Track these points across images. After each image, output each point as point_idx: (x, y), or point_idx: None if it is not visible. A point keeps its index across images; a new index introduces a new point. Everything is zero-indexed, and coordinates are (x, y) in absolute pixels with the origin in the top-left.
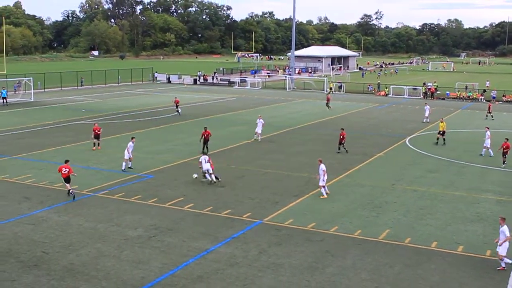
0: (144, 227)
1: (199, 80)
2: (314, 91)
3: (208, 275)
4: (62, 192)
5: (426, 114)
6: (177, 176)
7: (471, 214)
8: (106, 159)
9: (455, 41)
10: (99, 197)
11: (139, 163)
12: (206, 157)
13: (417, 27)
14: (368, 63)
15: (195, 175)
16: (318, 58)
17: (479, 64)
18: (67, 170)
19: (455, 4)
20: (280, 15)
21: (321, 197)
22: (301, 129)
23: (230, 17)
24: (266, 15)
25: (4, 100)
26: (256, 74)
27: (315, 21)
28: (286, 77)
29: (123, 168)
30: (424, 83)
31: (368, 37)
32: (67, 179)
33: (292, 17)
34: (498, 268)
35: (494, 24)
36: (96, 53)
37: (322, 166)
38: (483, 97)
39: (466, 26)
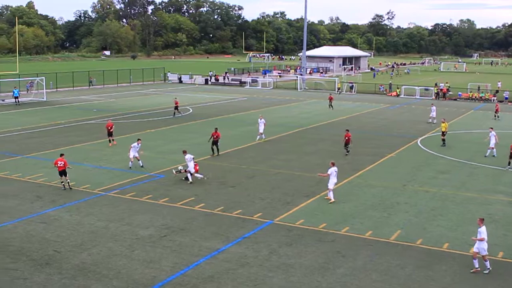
0: (155, 227)
1: (210, 80)
2: (325, 91)
3: (219, 275)
4: (74, 191)
5: (433, 115)
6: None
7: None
8: (117, 159)
9: (467, 41)
10: (110, 196)
11: (150, 162)
12: (192, 156)
13: (429, 28)
14: (380, 64)
15: (180, 167)
16: (330, 58)
17: (492, 64)
18: (63, 163)
19: (467, 4)
20: (292, 15)
21: (326, 198)
22: (313, 129)
23: (242, 17)
24: (277, 15)
25: (16, 99)
26: (267, 74)
27: (327, 21)
28: (297, 77)
29: (129, 166)
30: (436, 84)
31: (379, 38)
32: (63, 172)
33: (303, 17)
34: (471, 270)
35: (507, 25)
36: (108, 53)
37: (333, 169)
38: (495, 98)
39: (478, 26)
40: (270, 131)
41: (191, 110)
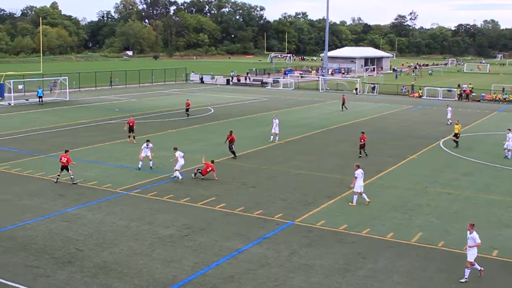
0: (176, 226)
1: (232, 81)
2: (347, 92)
3: (239, 275)
4: (96, 190)
5: (449, 116)
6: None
7: (506, 218)
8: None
9: (491, 42)
10: (132, 195)
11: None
12: (182, 153)
13: (452, 28)
14: (402, 64)
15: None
16: (351, 59)
17: None
18: (66, 159)
19: (491, 4)
20: (314, 15)
21: (350, 204)
22: (334, 130)
23: (264, 18)
24: (299, 16)
25: (40, 99)
26: (288, 74)
27: (349, 22)
28: (319, 78)
29: (139, 166)
30: (458, 85)
31: (402, 38)
32: (64, 167)
33: (325, 17)
34: (461, 281)
35: None
36: (130, 53)
37: (358, 171)
38: None
39: (502, 27)
40: (291, 132)
41: (212, 110)
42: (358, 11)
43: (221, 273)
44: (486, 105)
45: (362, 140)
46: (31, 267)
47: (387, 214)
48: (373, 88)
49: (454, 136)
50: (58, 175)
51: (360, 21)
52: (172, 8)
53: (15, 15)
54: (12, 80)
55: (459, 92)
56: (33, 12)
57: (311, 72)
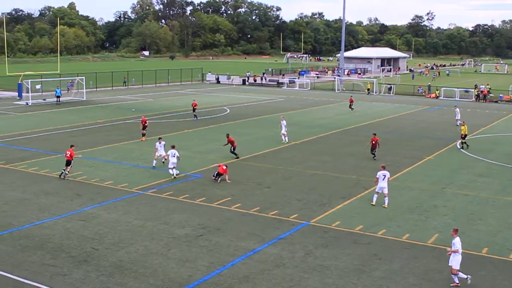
0: (191, 226)
1: (248, 81)
2: (363, 93)
3: (254, 275)
4: (112, 190)
5: (458, 117)
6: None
7: None
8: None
9: (510, 42)
10: (147, 195)
11: (188, 162)
12: (174, 152)
13: (470, 29)
14: (419, 65)
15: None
16: (368, 60)
17: None
18: (69, 153)
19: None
20: (330, 16)
21: (372, 203)
22: (350, 130)
23: (280, 18)
24: (315, 16)
25: (58, 98)
26: (304, 75)
27: (365, 22)
28: (335, 78)
29: (153, 164)
30: (476, 86)
31: (419, 39)
32: (68, 162)
33: (342, 18)
34: (451, 285)
35: None
36: (146, 53)
37: (380, 172)
38: None
39: None
40: (307, 132)
41: (228, 111)
42: (375, 11)
43: (236, 273)
44: (504, 106)
45: (374, 142)
46: (48, 265)
47: (403, 215)
48: (390, 89)
49: (461, 137)
50: (63, 170)
51: (377, 21)
52: (189, 8)
53: (33, 16)
54: (30, 80)
55: (476, 93)
56: (50, 13)
57: (327, 72)
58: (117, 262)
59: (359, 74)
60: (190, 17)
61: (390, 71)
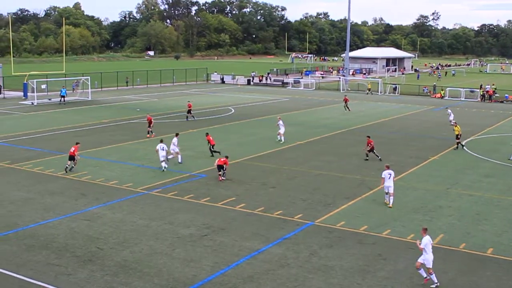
0: (196, 226)
1: (252, 81)
2: (372, 93)
3: (258, 275)
4: (117, 190)
5: (451, 118)
6: (229, 175)
7: None
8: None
9: None
10: (152, 195)
11: (192, 162)
12: (163, 145)
13: (475, 28)
14: (425, 65)
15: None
16: (373, 60)
17: None
18: (73, 149)
19: None
20: (335, 15)
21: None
22: (355, 130)
23: (285, 18)
24: (320, 16)
25: (63, 98)
26: (309, 75)
27: (370, 22)
28: (340, 78)
29: (169, 157)
30: (481, 86)
31: (424, 39)
32: (71, 157)
33: (347, 18)
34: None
35: None
36: (151, 53)
37: (385, 172)
38: None
39: None
40: (312, 133)
41: (233, 111)
42: (380, 11)
43: (240, 273)
44: (509, 106)
45: (370, 144)
46: (53, 265)
47: (407, 215)
48: (395, 89)
49: (456, 138)
50: (67, 166)
51: (382, 21)
52: (194, 8)
53: (38, 16)
54: (35, 80)
55: (482, 93)
56: (56, 13)
57: (332, 72)
58: (121, 262)
59: (364, 74)
60: (195, 17)
61: (395, 71)
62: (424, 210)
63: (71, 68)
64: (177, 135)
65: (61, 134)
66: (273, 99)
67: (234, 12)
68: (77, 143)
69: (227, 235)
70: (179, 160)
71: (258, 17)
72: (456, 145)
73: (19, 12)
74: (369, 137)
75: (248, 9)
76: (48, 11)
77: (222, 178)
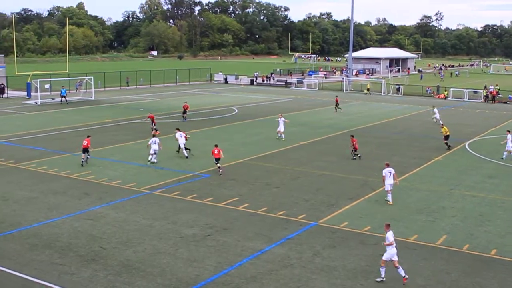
0: (199, 226)
1: (256, 81)
2: (371, 93)
3: (261, 275)
4: (120, 189)
5: (437, 117)
6: (233, 175)
7: None
8: (162, 158)
9: None
10: (155, 195)
11: (195, 162)
12: (156, 139)
13: (479, 29)
14: (429, 65)
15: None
16: (376, 60)
17: None
18: (86, 142)
19: None
20: (338, 16)
21: (388, 202)
22: (358, 131)
23: (288, 18)
24: (323, 16)
25: (63, 98)
26: (312, 75)
27: (373, 22)
28: (343, 78)
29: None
30: (485, 86)
31: (427, 39)
32: (85, 150)
33: (350, 18)
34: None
35: None
36: (155, 53)
37: (386, 170)
38: None
39: None
40: (315, 133)
41: (236, 111)
42: (383, 12)
43: (243, 273)
44: None
45: (353, 143)
46: (56, 264)
47: (411, 216)
48: (398, 89)
49: (445, 139)
50: (82, 159)
51: (385, 22)
52: (197, 8)
53: (42, 16)
54: (38, 80)
55: (485, 94)
56: (59, 13)
57: (335, 72)
58: (124, 262)
59: (368, 74)
60: (198, 17)
61: (399, 71)
62: (427, 211)
63: (74, 68)
64: (178, 130)
65: (64, 134)
66: (276, 99)
67: (237, 12)
68: (88, 136)
69: (230, 235)
70: (185, 154)
71: (261, 17)
72: (447, 146)
73: (22, 12)
74: (352, 136)
75: (251, 9)
76: (52, 11)
77: (217, 165)
